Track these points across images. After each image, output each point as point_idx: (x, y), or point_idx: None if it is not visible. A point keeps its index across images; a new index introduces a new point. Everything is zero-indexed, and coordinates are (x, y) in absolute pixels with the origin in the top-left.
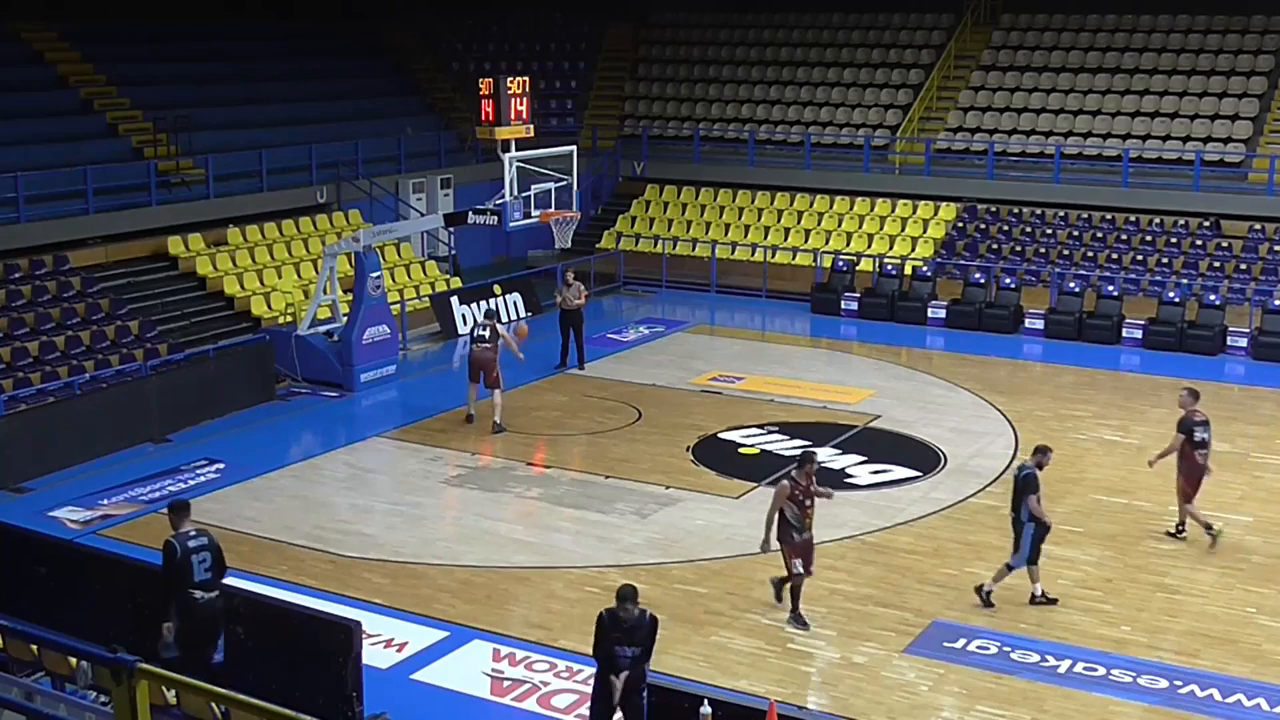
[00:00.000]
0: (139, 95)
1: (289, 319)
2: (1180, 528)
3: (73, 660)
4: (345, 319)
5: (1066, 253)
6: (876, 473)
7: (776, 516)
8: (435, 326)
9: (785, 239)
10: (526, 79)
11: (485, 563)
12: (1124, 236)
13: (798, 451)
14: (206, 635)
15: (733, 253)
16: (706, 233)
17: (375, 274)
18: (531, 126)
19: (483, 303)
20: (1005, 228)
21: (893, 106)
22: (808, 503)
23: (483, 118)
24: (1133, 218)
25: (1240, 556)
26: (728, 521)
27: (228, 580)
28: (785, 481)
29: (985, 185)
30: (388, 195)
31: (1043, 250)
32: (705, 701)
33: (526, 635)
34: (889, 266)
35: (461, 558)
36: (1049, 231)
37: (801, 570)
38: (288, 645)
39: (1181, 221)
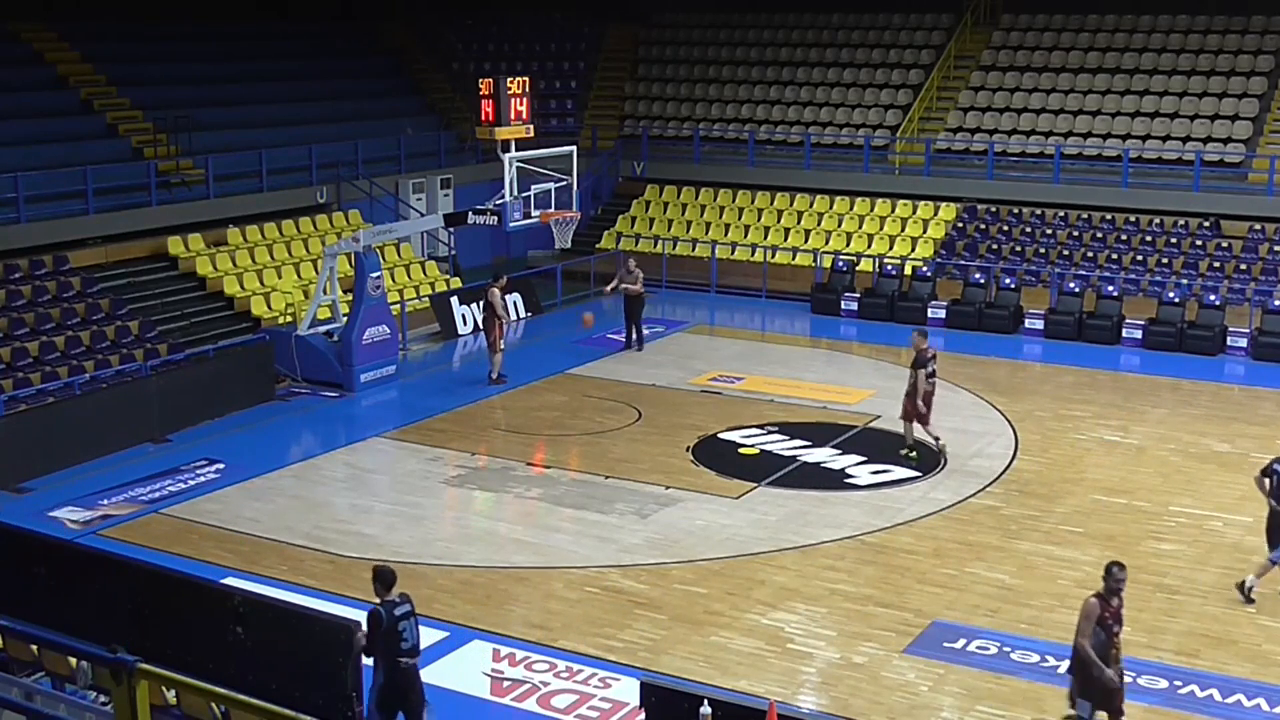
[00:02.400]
0: (139, 95)
1: (289, 319)
2: (938, 441)
3: (73, 660)
4: (345, 319)
5: (1066, 253)
6: (876, 473)
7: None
8: (435, 327)
9: (785, 239)
10: (526, 79)
11: (485, 563)
12: (1124, 236)
13: (796, 452)
14: None
15: (733, 253)
16: (706, 233)
17: (375, 274)
18: (531, 126)
19: (483, 303)
20: (1005, 228)
21: (893, 106)
22: (1117, 629)
23: (483, 118)
24: (1133, 218)
25: (1240, 557)
26: (728, 522)
27: (229, 580)
28: (1093, 600)
29: (985, 185)
30: (388, 195)
31: (1043, 250)
32: (705, 701)
33: (526, 635)
34: (889, 267)
35: (461, 558)
36: (1049, 231)
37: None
38: (287, 645)
39: (1181, 221)
